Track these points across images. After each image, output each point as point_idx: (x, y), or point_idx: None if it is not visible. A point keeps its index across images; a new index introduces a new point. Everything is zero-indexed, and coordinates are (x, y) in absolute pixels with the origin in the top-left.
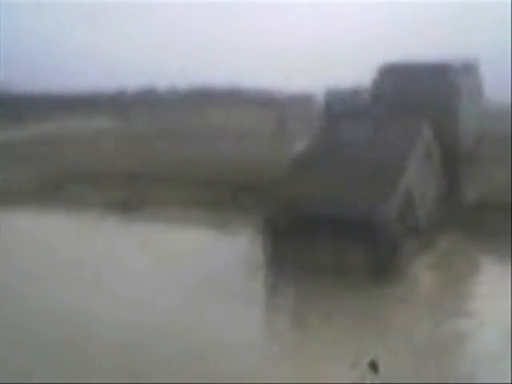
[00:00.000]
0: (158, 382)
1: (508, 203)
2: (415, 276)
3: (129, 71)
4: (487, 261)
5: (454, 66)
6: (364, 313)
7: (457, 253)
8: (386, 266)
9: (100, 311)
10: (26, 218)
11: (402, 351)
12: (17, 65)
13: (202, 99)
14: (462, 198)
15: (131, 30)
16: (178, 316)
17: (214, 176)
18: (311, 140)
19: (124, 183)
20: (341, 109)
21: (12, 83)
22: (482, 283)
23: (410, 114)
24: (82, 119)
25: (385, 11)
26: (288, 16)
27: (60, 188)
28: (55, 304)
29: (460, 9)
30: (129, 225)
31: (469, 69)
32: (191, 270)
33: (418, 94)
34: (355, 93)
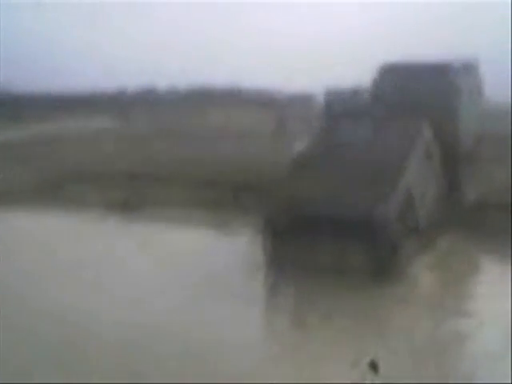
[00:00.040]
0: (158, 382)
1: (508, 203)
2: (415, 276)
3: (129, 71)
4: (487, 261)
5: (453, 65)
6: (364, 313)
7: (457, 253)
8: (385, 265)
9: (100, 311)
10: (25, 218)
11: (401, 351)
12: (17, 65)
13: (201, 99)
14: (462, 198)
15: (131, 30)
16: (178, 316)
17: (214, 176)
18: (311, 140)
19: (124, 183)
20: (341, 109)
21: (12, 83)
22: (481, 283)
23: (410, 113)
24: (82, 119)
25: (385, 11)
26: (288, 16)
27: (60, 188)
28: (55, 304)
29: (460, 9)
30: (129, 225)
31: (469, 69)
32: (191, 270)
33: (418, 94)
34: (355, 93)
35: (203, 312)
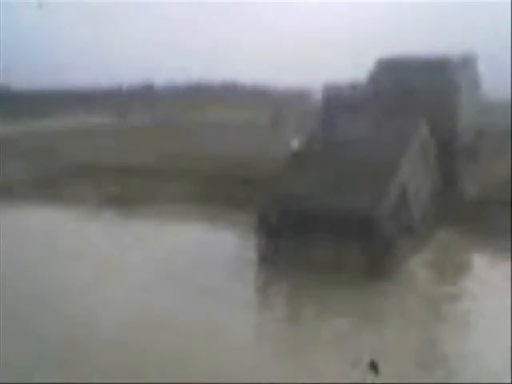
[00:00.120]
0: (157, 382)
1: (507, 200)
2: (411, 273)
3: (127, 67)
4: (485, 258)
5: (451, 60)
6: (359, 310)
7: (454, 250)
8: (381, 263)
9: (97, 307)
10: (22, 213)
11: (398, 349)
12: (15, 61)
13: (198, 95)
14: (459, 195)
15: (129, 28)
16: (174, 313)
17: (211, 171)
18: (307, 136)
19: (121, 178)
20: (338, 105)
21: (11, 79)
22: (479, 280)
23: (407, 108)
24: (80, 115)
25: (382, 8)
26: (285, 12)
27: (57, 183)
28: (51, 299)
29: (459, 4)
30: (125, 219)
31: (467, 64)
32: (185, 266)
33: (415, 89)
34: (352, 88)
35: (198, 309)
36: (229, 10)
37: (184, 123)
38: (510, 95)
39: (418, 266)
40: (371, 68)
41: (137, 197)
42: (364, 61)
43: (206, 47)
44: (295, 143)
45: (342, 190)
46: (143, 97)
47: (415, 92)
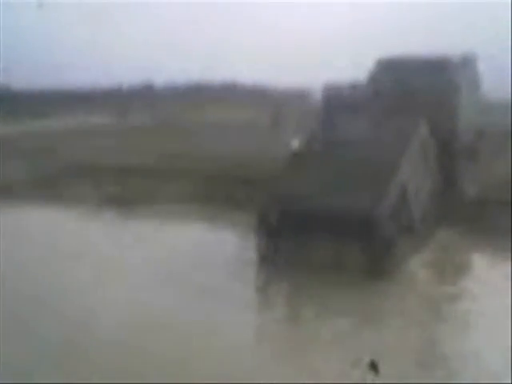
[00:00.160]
0: (157, 382)
1: (507, 200)
2: (411, 273)
3: (127, 67)
4: (485, 258)
5: (451, 60)
6: (359, 310)
7: (454, 249)
8: (381, 263)
9: (97, 307)
10: (22, 213)
11: (398, 348)
12: (16, 61)
13: (198, 95)
14: (459, 195)
15: (129, 28)
16: (174, 313)
17: (211, 171)
18: (307, 136)
19: (121, 178)
20: (338, 105)
21: (10, 79)
22: (478, 280)
23: (407, 108)
24: (80, 115)
25: (383, 7)
26: (285, 12)
27: (57, 183)
28: (50, 299)
29: (459, 4)
30: (125, 219)
31: (467, 64)
32: (185, 266)
33: (415, 89)
34: (352, 88)
35: (198, 309)
36: (229, 10)
37: (184, 123)
38: (509, 95)
39: (418, 266)
40: (371, 68)
41: (137, 197)
42: (364, 61)
43: (205, 47)
44: (295, 143)
45: (342, 189)
46: (143, 97)
47: (415, 92)
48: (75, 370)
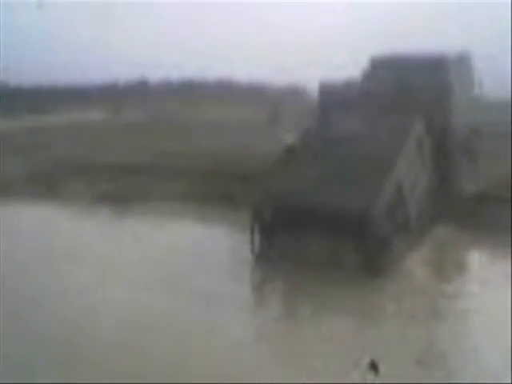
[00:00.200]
0: (156, 381)
1: (503, 197)
2: (407, 270)
3: (124, 65)
4: (481, 255)
5: (446, 58)
6: (357, 309)
7: (450, 247)
8: (377, 260)
9: (94, 306)
10: (17, 209)
11: (395, 347)
12: (14, 59)
13: (194, 92)
14: (455, 192)
15: (129, 27)
16: (170, 313)
17: (206, 168)
18: (302, 133)
19: (116, 175)
20: (333, 102)
21: (8, 76)
22: (475, 277)
23: (402, 106)
24: (75, 111)
25: (382, 7)
26: (282, 11)
27: (52, 179)
28: (46, 297)
29: (458, 4)
30: (120, 217)
31: (461, 62)
32: (180, 264)
33: (410, 87)
34: (348, 86)
35: (193, 308)
36: (227, 10)
37: (179, 120)
38: (509, 94)
39: (414, 263)
40: (365, 66)
41: (131, 194)
42: (361, 59)
43: (203, 45)
44: (289, 139)
45: (338, 187)
46: (138, 93)
47: (409, 90)
48: (72, 370)
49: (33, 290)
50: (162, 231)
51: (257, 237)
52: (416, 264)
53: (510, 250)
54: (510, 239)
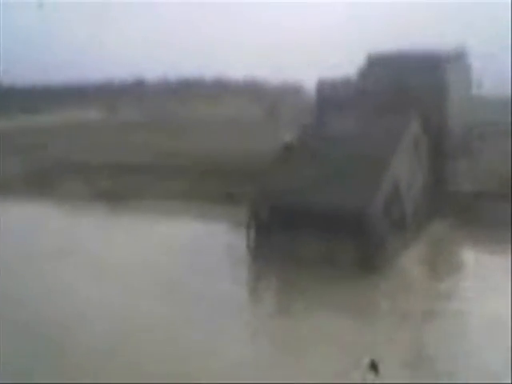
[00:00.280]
0: (156, 381)
1: (500, 194)
2: (403, 268)
3: (118, 63)
4: (477, 251)
5: (442, 56)
6: (352, 306)
7: (446, 245)
8: (373, 258)
9: (90, 304)
10: (13, 208)
11: (390, 344)
12: (12, 58)
13: (191, 90)
14: (451, 191)
15: (129, 26)
16: (167, 311)
17: (202, 167)
18: (299, 132)
19: (112, 174)
20: (330, 100)
21: (1, 75)
22: (471, 276)
23: (399, 104)
24: (71, 110)
25: (383, 6)
26: (280, 11)
27: (49, 178)
28: (40, 297)
29: (458, 4)
30: (117, 216)
31: (457, 59)
32: (176, 262)
33: (406, 84)
34: (345, 84)
35: (190, 307)
36: (226, 10)
37: (177, 119)
38: (509, 94)
39: (410, 260)
40: (361, 64)
41: (128, 193)
42: (360, 58)
43: (201, 45)
44: (287, 138)
45: (335, 186)
46: (134, 92)
47: (406, 87)
48: (68, 371)
49: (24, 289)
50: (157, 228)
51: (253, 234)
52: (412, 261)
53: (507, 246)
54: (506, 235)
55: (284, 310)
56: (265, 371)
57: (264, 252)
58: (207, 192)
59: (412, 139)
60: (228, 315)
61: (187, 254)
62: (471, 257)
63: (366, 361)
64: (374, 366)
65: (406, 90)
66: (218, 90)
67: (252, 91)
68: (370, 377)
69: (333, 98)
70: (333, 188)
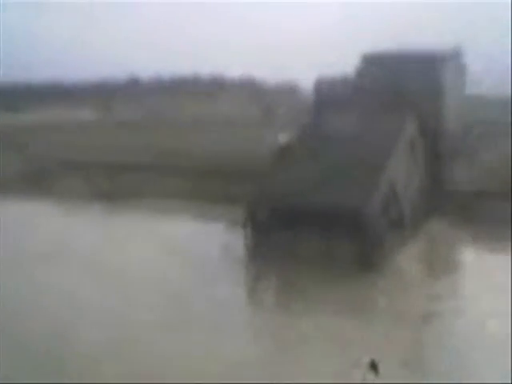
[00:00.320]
0: (155, 382)
1: (497, 193)
2: (401, 267)
3: (114, 62)
4: (476, 252)
5: (438, 56)
6: (349, 305)
7: (443, 244)
8: (371, 257)
9: (87, 303)
10: (11, 207)
11: (389, 342)
12: (2, 57)
13: (186, 90)
14: (447, 190)
15: (118, 25)
16: (164, 310)
17: (199, 166)
18: (297, 132)
19: (109, 173)
20: (328, 100)
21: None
22: (468, 274)
23: (395, 104)
24: (67, 109)
25: (381, 6)
26: (278, 11)
27: (46, 177)
28: (39, 294)
29: (458, 4)
30: (113, 214)
31: (453, 59)
32: (174, 261)
33: (402, 84)
34: (342, 84)
35: (188, 307)
36: (225, 10)
37: (172, 119)
38: (509, 94)
39: (410, 259)
40: (357, 63)
41: (125, 192)
42: (357, 58)
43: (198, 45)
44: (284, 139)
45: (332, 185)
46: (130, 91)
47: (401, 87)
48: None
49: (21, 289)
50: (155, 228)
51: (252, 234)
52: (410, 259)
53: (506, 244)
54: (506, 233)
55: (283, 309)
56: (264, 370)
57: (263, 251)
58: (204, 191)
59: (408, 139)
60: (228, 314)
61: (185, 252)
62: (470, 255)
63: (366, 360)
64: (373, 366)
65: (402, 89)
66: (215, 89)
67: (249, 91)
68: (370, 377)
69: (330, 97)
70: (330, 188)
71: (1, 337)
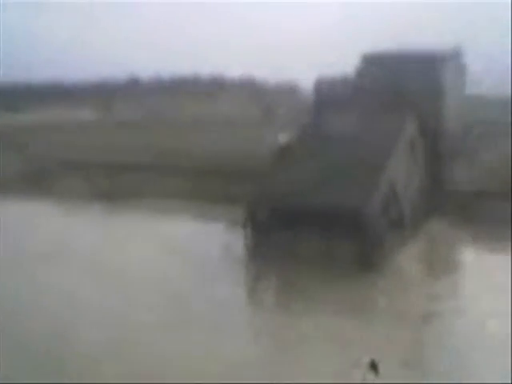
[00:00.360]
0: (155, 382)
1: (497, 193)
2: (401, 267)
3: (114, 62)
4: (475, 251)
5: (438, 56)
6: (349, 305)
7: (443, 243)
8: (371, 257)
9: (87, 303)
10: (11, 207)
11: (388, 342)
12: (2, 57)
13: (187, 89)
14: (447, 189)
15: (117, 26)
16: (164, 310)
17: (199, 166)
18: (297, 132)
19: (109, 173)
20: (328, 100)
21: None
22: (468, 274)
23: (395, 104)
24: (67, 109)
25: (377, 5)
26: (278, 11)
27: (46, 177)
28: (39, 294)
29: (458, 3)
30: (113, 214)
31: (453, 59)
32: (174, 261)
33: (402, 84)
34: (342, 84)
35: (188, 307)
36: (225, 10)
37: (172, 118)
38: (509, 94)
39: (410, 259)
40: (357, 64)
41: (124, 192)
42: (357, 58)
43: (198, 45)
44: (284, 139)
45: (332, 185)
46: (130, 91)
47: (401, 87)
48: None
49: (19, 289)
50: (154, 227)
51: (252, 234)
52: (410, 259)
53: (506, 244)
54: (506, 233)
55: (283, 309)
56: (264, 370)
57: (263, 251)
58: (204, 191)
59: (408, 139)
60: (228, 314)
61: (186, 250)
62: (470, 255)
63: (366, 360)
64: (373, 366)
65: (402, 89)
66: (215, 89)
67: (249, 91)
68: (370, 377)
69: (330, 97)
70: (330, 188)
71: (1, 337)
